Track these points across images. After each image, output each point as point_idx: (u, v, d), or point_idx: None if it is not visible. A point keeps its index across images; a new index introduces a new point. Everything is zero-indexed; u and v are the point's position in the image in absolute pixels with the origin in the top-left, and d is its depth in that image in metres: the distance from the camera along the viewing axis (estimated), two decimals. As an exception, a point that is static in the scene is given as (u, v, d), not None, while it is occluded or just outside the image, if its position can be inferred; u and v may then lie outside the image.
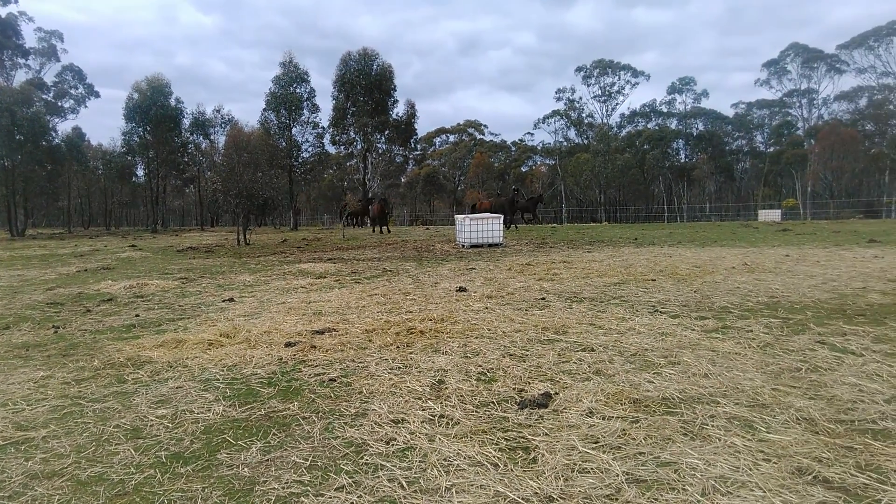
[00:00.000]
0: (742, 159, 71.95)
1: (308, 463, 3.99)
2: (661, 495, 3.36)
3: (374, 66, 63.08)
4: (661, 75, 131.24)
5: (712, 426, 4.34)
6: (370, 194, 48.79)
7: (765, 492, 3.35)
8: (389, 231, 38.15)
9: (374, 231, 38.09)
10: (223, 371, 6.24)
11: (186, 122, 69.10)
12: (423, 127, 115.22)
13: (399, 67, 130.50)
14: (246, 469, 3.91)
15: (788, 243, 20.72)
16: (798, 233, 21.31)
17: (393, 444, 4.22)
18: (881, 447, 3.91)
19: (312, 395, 5.40)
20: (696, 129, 72.14)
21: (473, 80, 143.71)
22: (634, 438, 4.15)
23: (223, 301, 11.13)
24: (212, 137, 74.11)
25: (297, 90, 60.24)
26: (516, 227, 37.30)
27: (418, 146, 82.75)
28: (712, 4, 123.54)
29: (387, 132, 66.09)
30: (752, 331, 7.34)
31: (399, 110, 66.29)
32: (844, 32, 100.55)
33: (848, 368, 5.66)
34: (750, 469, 3.64)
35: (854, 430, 4.22)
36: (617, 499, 3.35)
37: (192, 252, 25.96)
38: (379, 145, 67.76)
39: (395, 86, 64.45)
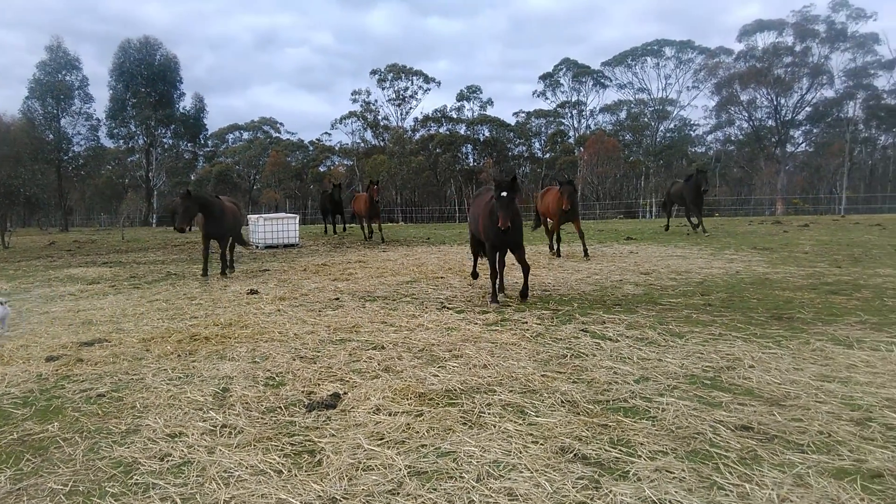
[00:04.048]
0: (523, 164, 77.48)
1: (68, 489, 3.62)
2: (440, 485, 3.53)
3: (158, 56, 58.65)
4: (452, 82, 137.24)
5: (489, 414, 4.64)
6: (332, 186, 29.26)
7: (532, 472, 3.66)
8: (380, 230, 24.46)
9: (364, 233, 24.83)
10: (-36, 394, 5.42)
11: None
12: (215, 122, 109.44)
13: (190, 59, 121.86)
14: (-11, 504, 3.45)
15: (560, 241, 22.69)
16: (568, 231, 23.53)
17: (168, 461, 3.97)
18: (630, 423, 4.44)
19: (76, 414, 4.91)
20: (483, 134, 76.42)
21: (271, 77, 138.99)
22: (418, 432, 4.31)
23: (-33, 313, 9.64)
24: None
25: (67, 78, 53.92)
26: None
27: (209, 142, 78.40)
28: (498, 18, 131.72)
29: (173, 126, 61.74)
30: (526, 322, 7.95)
31: (186, 104, 62.31)
32: (609, 51, 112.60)
33: (605, 353, 6.35)
34: (520, 452, 3.95)
35: (609, 409, 4.75)
36: (399, 493, 3.45)
37: (-72, 257, 22.17)
38: (164, 140, 63.12)
39: (181, 78, 60.51)
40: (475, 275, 11.40)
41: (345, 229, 29.84)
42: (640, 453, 3.91)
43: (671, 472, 3.62)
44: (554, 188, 16.31)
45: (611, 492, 3.39)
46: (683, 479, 3.52)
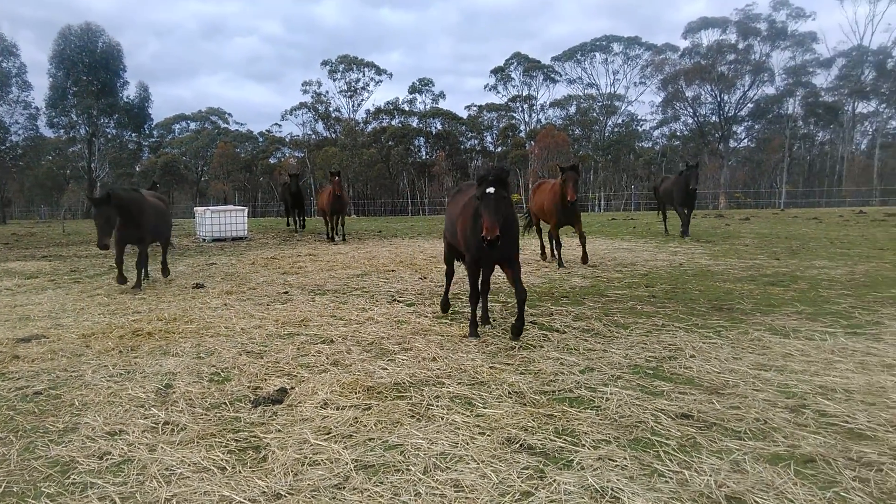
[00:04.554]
0: (475, 157, 77.87)
1: (1, 489, 3.49)
2: (387, 478, 3.53)
3: (100, 43, 56.52)
4: (404, 75, 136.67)
5: (437, 406, 4.66)
6: (289, 177, 26.39)
7: (478, 463, 3.69)
8: (303, 226, 25.38)
9: (328, 230, 21.49)
10: None
11: None
12: (161, 112, 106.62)
13: (134, 47, 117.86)
14: (-87, 509, 3.30)
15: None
16: (519, 224, 23.90)
17: (107, 459, 3.86)
18: (575, 413, 4.51)
19: (11, 413, 4.73)
20: (435, 127, 76.48)
21: (218, 67, 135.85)
22: (365, 425, 4.30)
23: None
24: None
25: (4, 65, 51.53)
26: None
27: (154, 132, 76.32)
28: (450, 11, 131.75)
29: (116, 116, 59.73)
30: (477, 314, 7.98)
31: (130, 93, 60.34)
32: (559, 46, 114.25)
33: (552, 344, 6.44)
34: (467, 443, 3.98)
35: (555, 399, 4.82)
36: (345, 487, 3.44)
37: None
38: (107, 130, 61.02)
39: (124, 66, 58.49)
40: (446, 305, 8.21)
41: (303, 226, 25.85)
42: (584, 442, 3.98)
43: (614, 461, 3.70)
44: (548, 182, 13.49)
45: (555, 481, 3.44)
46: (625, 467, 3.61)
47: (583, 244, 12.76)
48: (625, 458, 3.71)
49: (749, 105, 66.36)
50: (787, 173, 62.54)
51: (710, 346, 6.25)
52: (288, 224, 27.18)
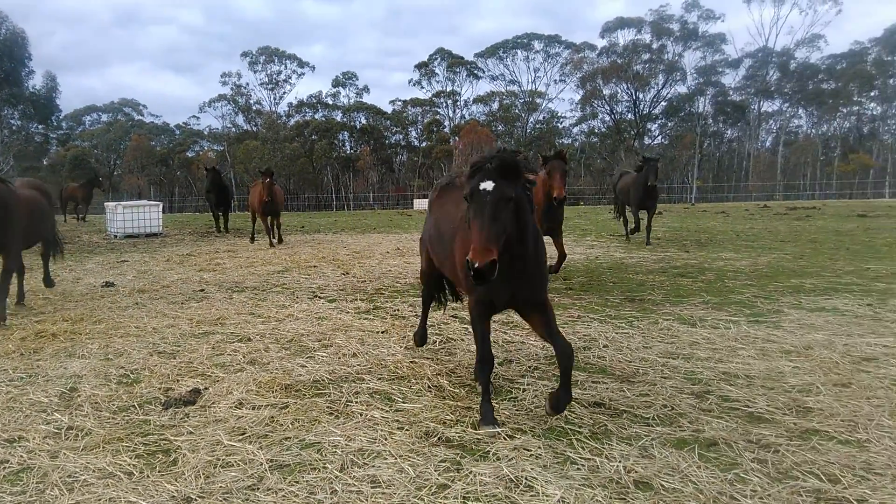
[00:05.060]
0: (400, 153, 77.58)
1: None
2: (303, 477, 3.49)
3: (3, 31, 52.96)
4: (327, 68, 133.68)
5: (356, 403, 4.64)
6: (206, 171, 23.71)
7: (396, 458, 3.69)
8: (226, 228, 22.36)
9: (254, 233, 19.02)
10: None
11: None
12: (70, 103, 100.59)
13: (41, 35, 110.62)
14: None
15: (437, 229, 22.97)
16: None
17: (5, 468, 3.65)
18: (493, 404, 4.56)
19: None
20: (360, 122, 75.68)
21: (133, 57, 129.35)
22: (282, 424, 4.23)
23: None
24: None
25: None
26: None
27: (63, 124, 72.39)
28: (374, 5, 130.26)
29: (21, 107, 56.21)
30: (398, 310, 8.00)
31: (37, 82, 56.85)
32: (483, 43, 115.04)
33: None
34: (385, 439, 3.98)
35: (474, 392, 4.88)
36: (258, 488, 3.37)
37: None
38: (12, 122, 57.34)
39: (30, 54, 54.88)
40: (423, 338, 6.04)
41: (226, 228, 22.59)
42: (500, 433, 4.05)
43: (528, 450, 3.78)
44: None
45: (471, 472, 3.49)
46: (539, 456, 3.69)
47: (561, 257, 9.93)
48: (539, 448, 3.80)
49: (663, 103, 69.05)
50: (697, 169, 65.23)
51: (622, 335, 6.47)
52: (218, 228, 22.90)
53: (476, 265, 3.54)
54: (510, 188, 3.82)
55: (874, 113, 67.46)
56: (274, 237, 17.42)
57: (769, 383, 4.94)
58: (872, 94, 64.63)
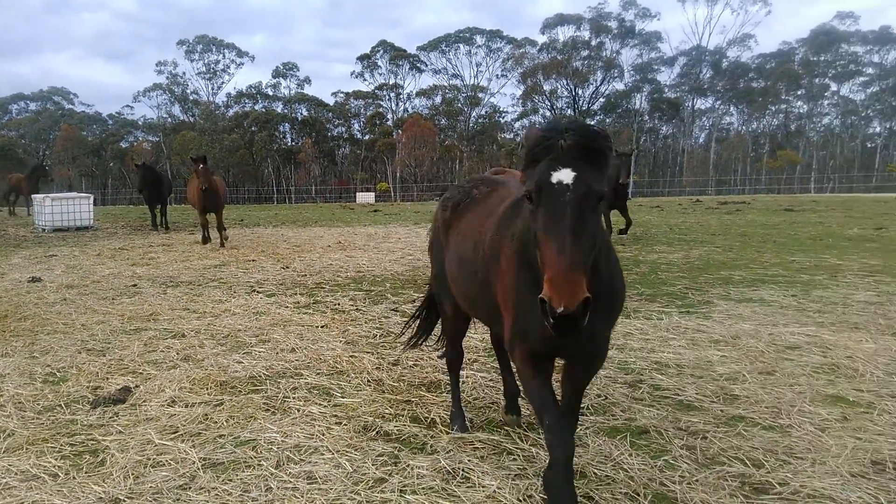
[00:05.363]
0: (342, 145, 76.74)
1: None
2: (237, 475, 3.43)
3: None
4: (268, 59, 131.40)
5: (294, 398, 4.58)
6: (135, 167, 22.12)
7: (333, 453, 3.67)
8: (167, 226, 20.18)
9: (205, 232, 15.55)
10: None
11: None
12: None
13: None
14: None
15: (377, 223, 22.87)
16: (386, 213, 23.78)
17: (-84, 475, 3.46)
18: (432, 398, 4.61)
19: None
20: (301, 114, 74.44)
21: (65, 43, 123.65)
22: (216, 422, 4.15)
23: None
24: None
25: None
26: None
27: (-12, 113, 68.87)
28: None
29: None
30: (339, 304, 7.94)
31: (-46, 67, 53.90)
32: (425, 36, 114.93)
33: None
34: (323, 434, 3.95)
35: (412, 385, 4.90)
36: (190, 487, 3.30)
37: None
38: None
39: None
40: (463, 424, 4.04)
41: (165, 224, 20.58)
42: (439, 427, 4.07)
43: (467, 442, 3.81)
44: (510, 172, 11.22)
45: (408, 465, 3.50)
46: (477, 448, 3.74)
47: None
48: (477, 439, 3.84)
49: (601, 99, 70.60)
50: (634, 165, 66.96)
51: (560, 328, 6.57)
52: (154, 225, 20.52)
53: (565, 310, 2.25)
54: (599, 179, 2.48)
55: (801, 111, 70.71)
56: (216, 237, 14.90)
57: (698, 372, 5.12)
58: (799, 92, 67.66)
